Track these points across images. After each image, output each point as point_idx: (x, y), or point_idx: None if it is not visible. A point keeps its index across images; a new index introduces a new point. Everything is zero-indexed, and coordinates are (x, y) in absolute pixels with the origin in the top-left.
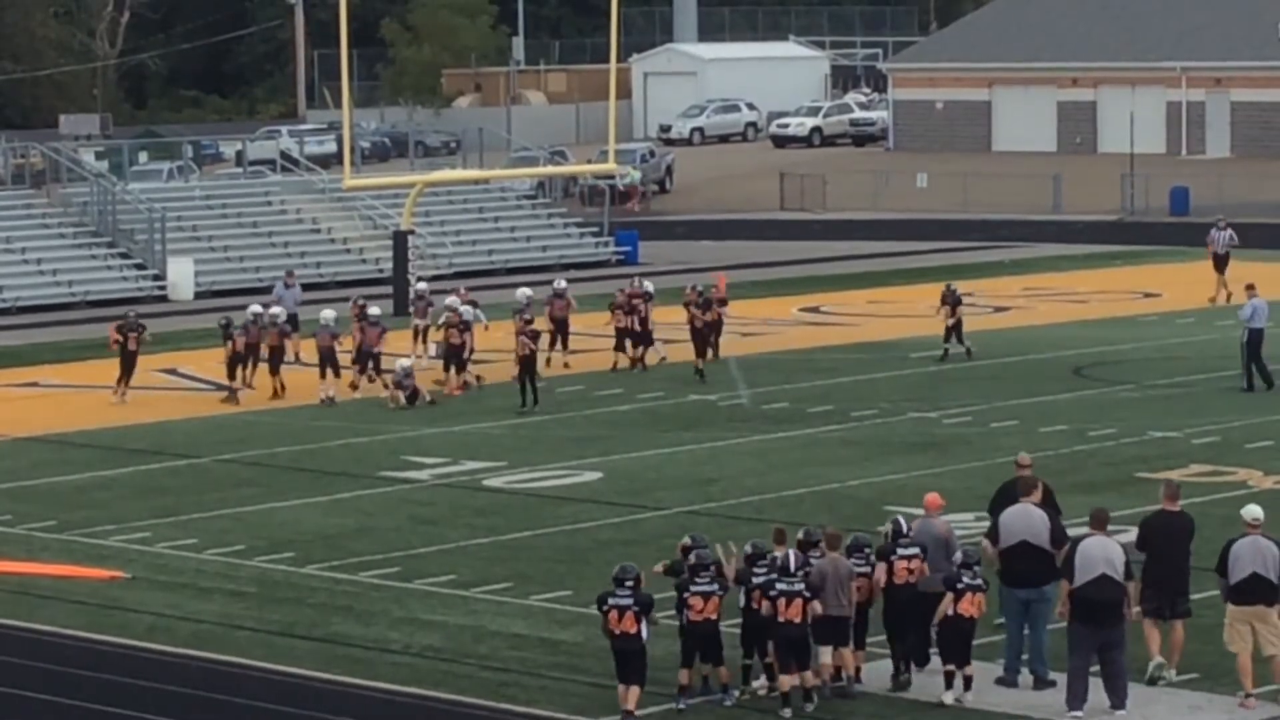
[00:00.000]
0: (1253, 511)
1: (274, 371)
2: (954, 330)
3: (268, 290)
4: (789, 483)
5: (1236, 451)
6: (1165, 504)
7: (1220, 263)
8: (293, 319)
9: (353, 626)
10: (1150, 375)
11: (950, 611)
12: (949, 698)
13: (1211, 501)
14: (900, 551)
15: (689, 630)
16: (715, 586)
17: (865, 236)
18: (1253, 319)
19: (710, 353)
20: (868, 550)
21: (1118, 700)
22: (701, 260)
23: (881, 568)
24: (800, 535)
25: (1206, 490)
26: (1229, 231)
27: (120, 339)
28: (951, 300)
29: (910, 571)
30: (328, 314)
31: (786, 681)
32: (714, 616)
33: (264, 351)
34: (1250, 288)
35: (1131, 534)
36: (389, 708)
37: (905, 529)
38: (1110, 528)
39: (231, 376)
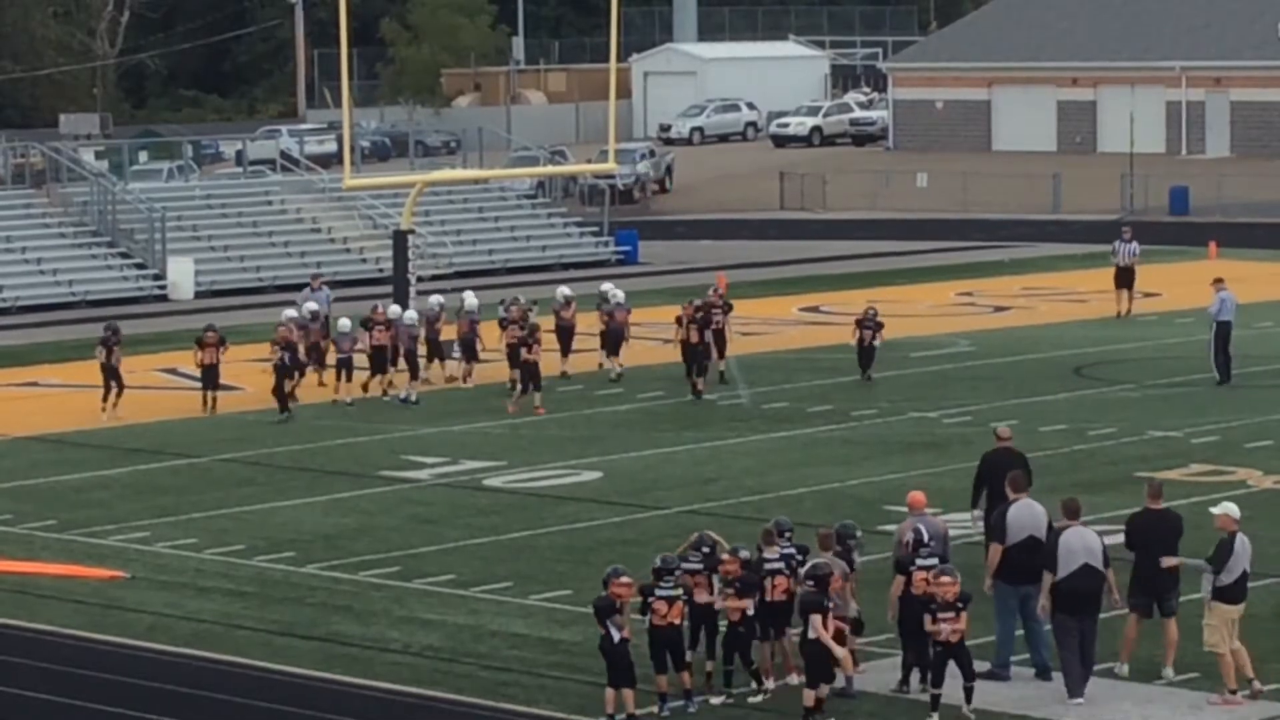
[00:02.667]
0: (1235, 510)
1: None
2: (864, 354)
3: (266, 290)
4: (789, 483)
5: (1236, 451)
6: (1149, 502)
7: (1124, 275)
8: (325, 322)
9: (352, 626)
10: (1150, 375)
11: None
12: (969, 711)
13: (1212, 501)
14: (920, 562)
15: (653, 635)
16: (679, 591)
17: (865, 236)
18: (1220, 312)
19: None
20: (851, 542)
21: (1077, 688)
22: (701, 260)
23: (900, 580)
24: (770, 524)
25: (1207, 490)
26: (1134, 244)
27: (105, 353)
28: (871, 325)
29: (928, 583)
30: (471, 300)
31: (663, 681)
32: (677, 621)
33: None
34: (1218, 281)
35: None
36: (388, 707)
37: (927, 538)
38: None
39: (285, 382)
